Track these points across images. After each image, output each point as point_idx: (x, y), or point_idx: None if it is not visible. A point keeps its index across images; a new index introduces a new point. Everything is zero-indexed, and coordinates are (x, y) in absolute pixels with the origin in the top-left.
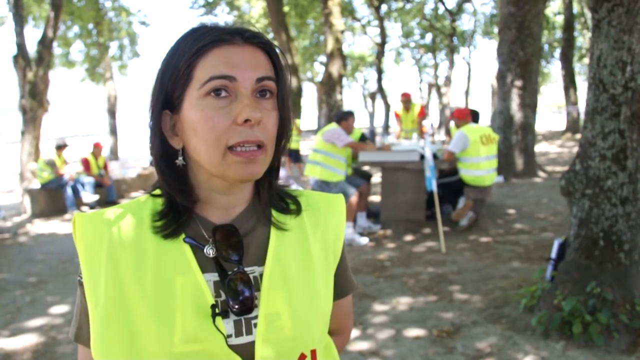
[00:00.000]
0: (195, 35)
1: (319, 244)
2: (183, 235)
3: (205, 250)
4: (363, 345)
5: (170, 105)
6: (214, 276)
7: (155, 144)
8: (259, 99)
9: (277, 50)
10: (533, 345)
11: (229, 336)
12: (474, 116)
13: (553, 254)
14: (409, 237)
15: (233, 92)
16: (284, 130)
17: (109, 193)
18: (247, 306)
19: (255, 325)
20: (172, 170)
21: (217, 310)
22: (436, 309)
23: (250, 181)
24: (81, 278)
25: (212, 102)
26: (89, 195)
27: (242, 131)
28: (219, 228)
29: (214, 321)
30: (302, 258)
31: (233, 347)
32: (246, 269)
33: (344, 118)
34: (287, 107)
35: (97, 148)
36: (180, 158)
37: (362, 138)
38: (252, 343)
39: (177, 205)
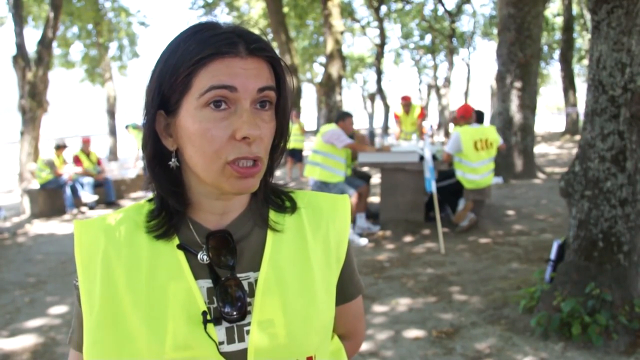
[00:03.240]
0: (196, 40)
1: (319, 247)
2: (177, 241)
3: (199, 257)
4: (362, 346)
5: (166, 107)
6: (208, 283)
7: (149, 144)
8: (258, 110)
9: (282, 63)
10: (532, 346)
11: (221, 343)
12: (478, 117)
13: (552, 255)
14: (408, 238)
15: (233, 103)
16: (281, 138)
17: (108, 193)
18: (240, 313)
19: (248, 332)
20: (165, 172)
21: (208, 317)
22: (435, 309)
23: (245, 194)
24: (76, 281)
25: (211, 114)
26: (88, 195)
27: (240, 147)
28: (212, 234)
29: (205, 328)
30: (300, 263)
31: (225, 355)
32: (241, 274)
33: (341, 118)
34: (286, 118)
35: (85, 143)
36: (174, 160)
37: (350, 136)
38: (245, 350)
39: (170, 206)
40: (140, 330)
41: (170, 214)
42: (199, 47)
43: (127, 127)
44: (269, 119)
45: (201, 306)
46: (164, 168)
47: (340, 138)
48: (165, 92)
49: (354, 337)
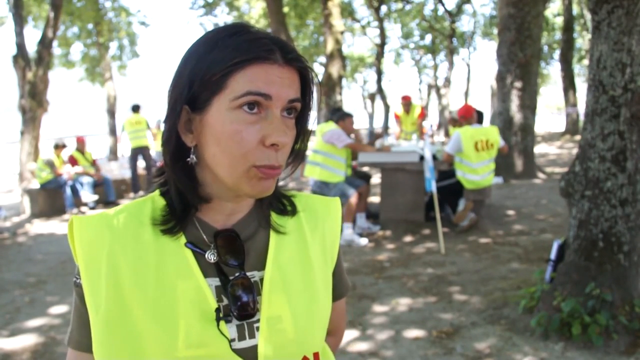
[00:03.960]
0: (235, 41)
1: (317, 247)
2: (184, 240)
3: (206, 256)
4: (362, 346)
5: (193, 104)
6: (216, 281)
7: (172, 139)
8: (285, 117)
9: (313, 75)
10: (532, 346)
11: (233, 340)
12: (478, 117)
13: (552, 255)
14: (408, 238)
15: (264, 108)
16: (297, 142)
17: (108, 193)
18: (248, 311)
19: (258, 328)
20: (183, 168)
21: (220, 315)
22: (435, 309)
23: (263, 196)
24: (77, 279)
25: (244, 116)
26: (88, 195)
27: (268, 154)
28: (220, 233)
29: (217, 325)
30: (302, 262)
31: (237, 351)
32: (247, 273)
33: (341, 118)
34: (306, 129)
35: (79, 142)
36: (193, 156)
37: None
38: (256, 347)
39: (180, 202)
40: (151, 329)
41: (182, 209)
42: (237, 49)
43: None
44: (292, 126)
45: (213, 304)
46: (182, 164)
47: (341, 138)
48: (196, 90)
49: (336, 334)
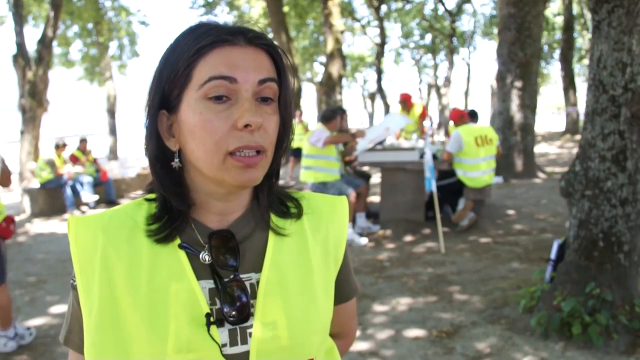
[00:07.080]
0: (195, 34)
1: (319, 249)
2: (178, 241)
3: (200, 257)
4: (362, 346)
5: (168, 106)
6: (210, 283)
7: (151, 145)
8: (260, 103)
9: (281, 52)
10: (532, 346)
11: (224, 345)
12: (472, 115)
13: (552, 255)
14: (408, 238)
15: (233, 94)
16: (285, 133)
17: (108, 192)
18: (241, 315)
19: (251, 334)
20: (167, 173)
21: (211, 319)
22: (435, 309)
23: (249, 187)
24: (74, 281)
25: (212, 105)
26: (88, 195)
27: (242, 136)
28: (215, 234)
29: (208, 330)
30: (301, 265)
31: (228, 357)
32: (243, 275)
33: (331, 117)
34: (289, 110)
35: (82, 144)
36: (177, 160)
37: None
38: (247, 353)
39: (172, 209)
40: (141, 332)
41: (173, 217)
42: (197, 39)
43: None
44: (271, 111)
45: (204, 308)
46: (166, 169)
47: (319, 137)
48: (166, 90)
49: (346, 336)
